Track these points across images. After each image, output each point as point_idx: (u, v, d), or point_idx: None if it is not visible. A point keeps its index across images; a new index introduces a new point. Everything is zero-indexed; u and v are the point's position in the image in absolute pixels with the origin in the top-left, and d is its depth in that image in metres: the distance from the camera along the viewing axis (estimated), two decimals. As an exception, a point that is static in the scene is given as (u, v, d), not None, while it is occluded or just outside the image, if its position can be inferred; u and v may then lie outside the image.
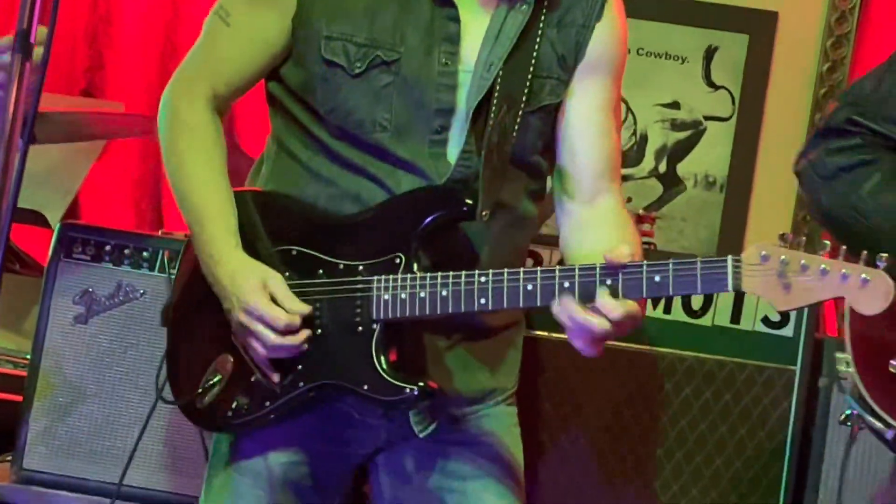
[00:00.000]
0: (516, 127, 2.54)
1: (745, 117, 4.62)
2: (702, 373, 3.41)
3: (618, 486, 3.41)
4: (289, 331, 2.47)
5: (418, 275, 2.46)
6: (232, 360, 2.56)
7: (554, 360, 3.41)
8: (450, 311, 2.44)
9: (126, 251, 3.49)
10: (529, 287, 2.39)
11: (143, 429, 2.72)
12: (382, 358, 2.47)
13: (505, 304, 2.41)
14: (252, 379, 2.54)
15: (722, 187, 4.64)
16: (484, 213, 2.49)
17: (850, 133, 2.64)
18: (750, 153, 4.61)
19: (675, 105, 4.64)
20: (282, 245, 2.56)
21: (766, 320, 3.42)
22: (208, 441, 2.86)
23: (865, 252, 2.22)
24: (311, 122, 2.60)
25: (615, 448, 3.41)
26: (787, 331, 3.41)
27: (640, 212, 3.78)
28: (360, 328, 2.48)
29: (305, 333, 2.48)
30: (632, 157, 4.63)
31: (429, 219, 2.49)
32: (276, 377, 2.51)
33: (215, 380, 2.56)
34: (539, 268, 2.41)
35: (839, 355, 3.39)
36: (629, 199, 4.54)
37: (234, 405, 2.55)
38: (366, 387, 2.47)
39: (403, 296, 2.46)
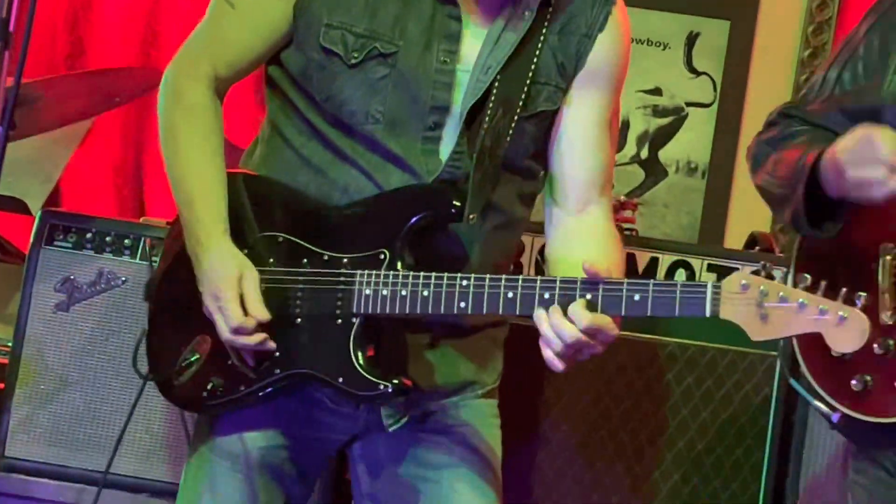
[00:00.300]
0: (511, 131, 2.53)
1: (726, 103, 4.63)
2: (684, 359, 3.42)
3: (600, 472, 3.42)
4: (241, 332, 2.48)
5: (401, 273, 2.46)
6: (211, 340, 2.56)
7: (536, 346, 3.41)
8: (429, 311, 2.44)
9: (107, 238, 3.49)
10: (510, 295, 2.39)
11: (131, 414, 2.72)
12: (360, 352, 2.47)
13: (485, 310, 2.42)
14: (229, 362, 2.54)
15: (704, 173, 4.64)
16: (472, 216, 2.49)
17: (778, 123, 2.67)
18: (732, 139, 4.62)
19: (656, 91, 4.65)
20: (269, 231, 2.57)
21: (747, 306, 3.42)
22: (191, 428, 2.86)
23: (844, 290, 2.23)
24: (307, 109, 2.60)
25: (597, 435, 3.42)
26: (769, 317, 3.42)
27: (622, 198, 3.78)
28: (340, 321, 2.49)
29: (260, 336, 2.48)
30: (614, 143, 4.63)
31: (415, 218, 2.49)
32: (251, 362, 2.52)
33: (193, 358, 2.56)
34: (521, 276, 2.41)
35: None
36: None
37: (209, 386, 2.56)
38: (341, 379, 2.48)
39: (385, 292, 2.46)
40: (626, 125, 4.66)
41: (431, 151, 2.54)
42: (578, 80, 2.58)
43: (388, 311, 2.46)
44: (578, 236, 2.58)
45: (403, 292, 2.45)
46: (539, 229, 3.40)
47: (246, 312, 2.48)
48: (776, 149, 2.63)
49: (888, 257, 2.48)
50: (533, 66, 2.54)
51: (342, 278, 2.49)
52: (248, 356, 2.52)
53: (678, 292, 2.31)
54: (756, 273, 2.27)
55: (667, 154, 4.67)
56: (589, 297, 2.34)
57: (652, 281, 2.33)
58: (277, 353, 2.51)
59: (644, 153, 4.67)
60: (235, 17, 2.60)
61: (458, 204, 2.47)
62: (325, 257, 2.52)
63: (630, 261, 3.44)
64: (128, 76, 4.05)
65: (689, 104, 4.65)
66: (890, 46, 2.58)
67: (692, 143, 4.65)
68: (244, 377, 2.53)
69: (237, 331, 2.48)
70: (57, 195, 4.50)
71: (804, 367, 2.59)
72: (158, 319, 2.67)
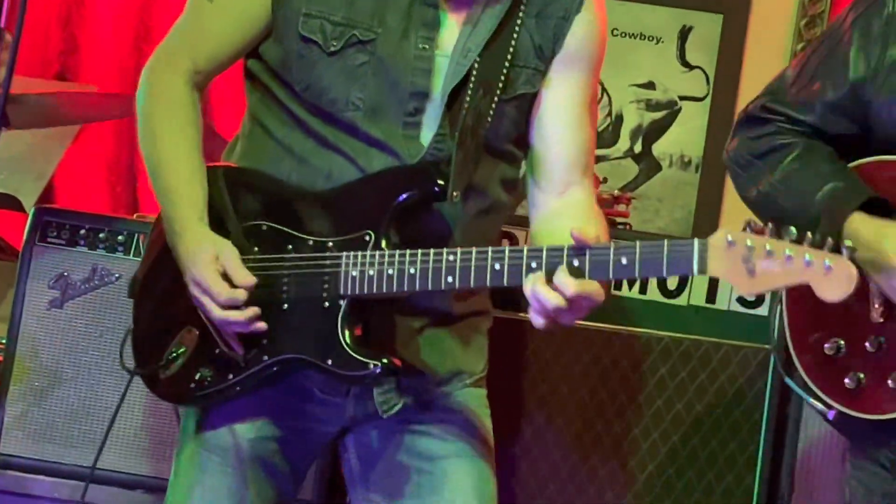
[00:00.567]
0: (491, 113, 2.55)
1: (719, 97, 4.63)
2: (678, 352, 3.42)
3: (594, 466, 3.42)
4: (231, 305, 2.48)
5: (387, 252, 2.46)
6: (197, 332, 2.57)
7: (529, 340, 3.42)
8: (417, 288, 2.44)
9: (101, 235, 3.49)
10: (497, 266, 2.39)
11: (117, 409, 2.71)
12: (347, 333, 2.48)
13: (472, 283, 2.41)
14: (216, 351, 2.55)
15: (697, 167, 4.65)
16: (455, 193, 2.49)
17: (765, 121, 2.68)
18: (725, 133, 4.51)
19: (650, 85, 4.65)
20: (252, 220, 2.58)
21: (741, 300, 3.43)
22: (184, 423, 2.86)
23: (830, 239, 2.23)
24: (287, 99, 2.61)
25: (591, 428, 3.42)
26: (763, 310, 3.43)
27: (616, 192, 3.78)
28: (327, 304, 2.49)
29: (252, 310, 2.49)
30: (607, 137, 4.63)
31: (400, 198, 2.49)
32: (239, 350, 2.52)
33: (179, 351, 2.57)
34: (508, 247, 2.41)
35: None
36: (605, 180, 4.54)
37: (197, 377, 2.56)
38: (329, 362, 2.48)
39: (371, 272, 2.47)
40: (619, 119, 4.66)
41: (412, 137, 2.55)
42: (557, 62, 2.59)
43: (375, 290, 2.46)
44: (562, 215, 2.58)
45: (390, 271, 2.45)
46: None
47: (232, 286, 2.49)
48: (767, 164, 2.64)
49: None
50: (511, 50, 2.56)
51: (328, 261, 2.50)
52: (237, 344, 2.52)
53: (665, 252, 2.30)
54: (742, 230, 2.27)
55: (660, 148, 4.67)
56: (576, 263, 2.34)
57: (639, 242, 2.31)
58: (265, 340, 2.52)
59: (638, 147, 4.67)
60: (214, 10, 2.61)
61: (441, 182, 2.48)
62: (310, 242, 2.52)
63: (624, 255, 3.44)
64: (121, 101, 4.04)
65: (682, 98, 4.65)
66: (876, 39, 2.57)
67: (686, 136, 4.65)
68: (232, 366, 2.54)
69: (228, 305, 2.47)
70: (50, 192, 4.50)
71: (799, 365, 2.59)
72: (143, 315, 2.67)
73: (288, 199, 2.57)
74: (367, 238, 2.49)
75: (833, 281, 2.21)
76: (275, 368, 2.52)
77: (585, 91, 2.63)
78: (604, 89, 4.64)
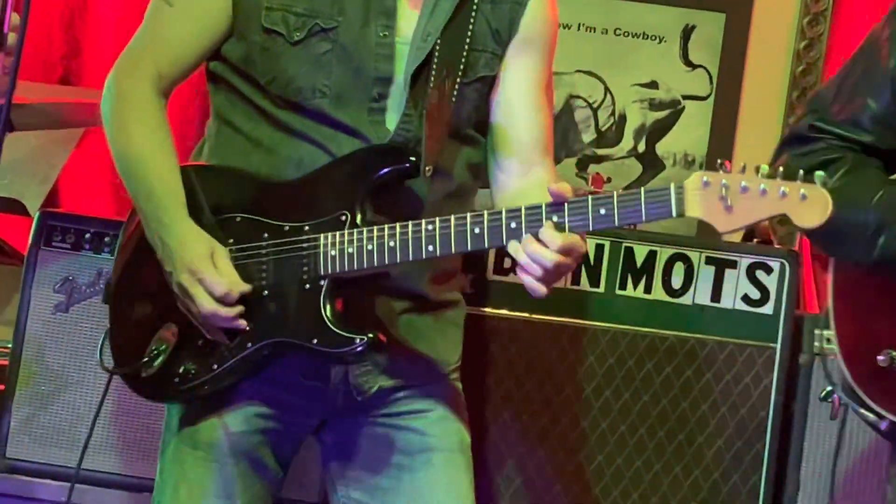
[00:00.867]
0: (454, 95, 2.60)
1: (723, 96, 4.62)
2: (683, 351, 3.42)
3: (601, 466, 3.42)
4: (226, 301, 2.50)
5: (364, 228, 2.50)
6: (177, 328, 2.58)
7: (537, 340, 3.42)
8: (398, 260, 2.48)
9: (106, 239, 3.49)
10: (477, 230, 2.44)
11: (99, 409, 2.72)
12: (330, 311, 2.50)
13: (453, 249, 2.45)
14: (199, 343, 2.56)
15: (701, 166, 4.64)
16: (427, 168, 2.54)
17: (813, 139, 2.68)
18: (728, 132, 4.62)
19: (653, 85, 4.65)
20: (225, 213, 2.60)
21: (745, 298, 3.43)
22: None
23: (802, 171, 2.29)
24: (252, 93, 2.64)
25: (598, 429, 3.42)
26: (767, 308, 3.43)
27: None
28: (308, 286, 2.52)
29: (238, 309, 2.52)
30: (610, 137, 4.63)
31: (374, 176, 2.53)
32: (224, 338, 2.54)
33: (161, 348, 2.58)
34: (485, 210, 2.45)
35: (818, 332, 3.41)
36: (609, 180, 4.55)
37: (181, 370, 2.57)
38: (315, 341, 2.50)
39: (350, 250, 2.50)
40: (622, 119, 4.66)
41: (378, 122, 2.59)
42: (513, 46, 2.66)
43: (356, 266, 2.49)
44: (527, 196, 2.60)
45: (370, 246, 2.49)
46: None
47: None
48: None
49: None
50: (469, 34, 2.62)
51: (305, 244, 2.53)
52: (220, 334, 2.54)
53: (643, 198, 2.36)
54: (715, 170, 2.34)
55: (664, 147, 4.67)
56: (555, 218, 2.39)
57: (615, 192, 2.38)
58: (247, 328, 2.54)
59: (641, 147, 4.67)
60: (175, 14, 2.65)
61: (413, 159, 2.52)
62: (286, 227, 2.56)
63: (628, 254, 3.44)
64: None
65: (685, 97, 4.65)
66: None
67: (689, 135, 4.64)
68: (217, 355, 2.56)
69: (223, 299, 2.50)
70: (55, 196, 4.49)
71: (849, 376, 2.61)
72: (120, 317, 2.69)
73: (259, 189, 2.60)
74: (344, 218, 2.52)
75: (809, 208, 2.28)
76: (261, 354, 2.54)
77: (543, 74, 2.70)
78: (607, 89, 4.64)
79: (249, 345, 2.54)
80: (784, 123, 4.51)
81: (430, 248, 2.46)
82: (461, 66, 2.60)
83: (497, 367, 3.41)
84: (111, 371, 2.66)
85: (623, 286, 3.44)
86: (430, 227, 2.46)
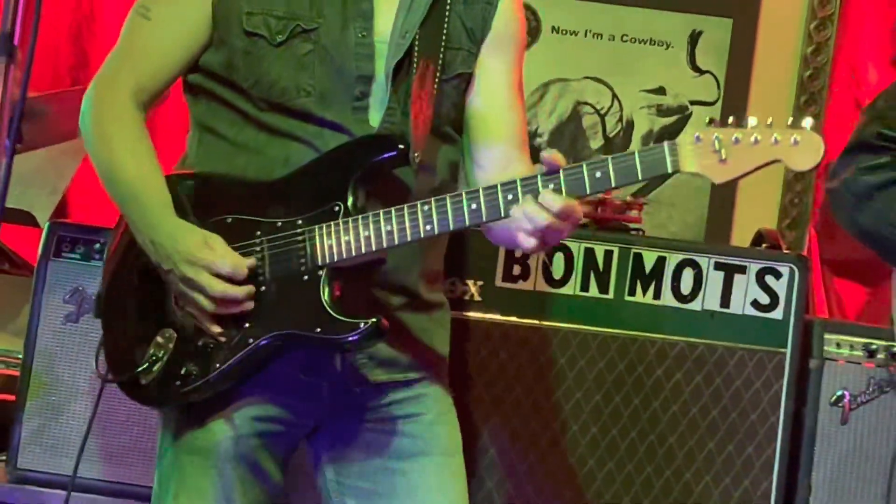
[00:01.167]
0: (435, 92, 2.63)
1: (730, 101, 4.62)
2: (693, 357, 3.42)
3: (612, 472, 3.42)
4: (234, 278, 2.51)
5: (360, 216, 2.52)
6: (174, 333, 2.58)
7: (548, 347, 3.42)
8: (396, 242, 2.50)
9: (115, 249, 3.49)
10: (473, 206, 2.47)
11: (93, 417, 2.73)
12: (331, 299, 2.51)
13: (451, 226, 2.48)
14: (199, 343, 2.56)
15: (709, 171, 4.64)
16: (416, 154, 2.56)
17: (880, 149, 2.66)
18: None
19: (660, 91, 4.65)
20: (215, 217, 2.60)
21: (755, 304, 3.43)
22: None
23: (791, 118, 2.33)
24: (235, 98, 2.65)
25: (608, 435, 3.42)
26: (777, 314, 3.42)
27: (629, 198, 3.78)
28: (307, 277, 2.53)
29: (248, 288, 2.53)
30: (618, 143, 4.64)
31: (364, 165, 2.55)
32: (225, 335, 2.54)
33: (159, 354, 2.57)
34: (480, 187, 2.47)
35: (828, 336, 3.42)
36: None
37: (182, 372, 2.56)
38: (318, 330, 2.51)
39: (347, 238, 2.51)
40: (630, 125, 4.66)
41: (362, 120, 2.61)
42: (487, 44, 2.71)
43: (354, 253, 2.51)
44: None
45: (366, 232, 2.51)
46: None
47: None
48: (889, 198, 2.65)
49: None
50: (444, 33, 2.66)
51: (301, 237, 2.54)
52: (220, 328, 2.54)
53: (637, 159, 2.40)
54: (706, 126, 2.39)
55: (672, 153, 4.67)
56: (552, 186, 2.42)
57: (609, 156, 2.41)
58: (247, 324, 2.54)
59: (649, 153, 4.67)
60: (153, 27, 2.67)
61: (402, 147, 2.55)
62: (279, 224, 2.57)
63: (637, 260, 3.44)
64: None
65: (693, 103, 4.65)
66: None
67: (697, 141, 4.64)
68: (219, 354, 2.55)
69: (231, 277, 2.51)
70: (64, 206, 4.50)
71: None
72: (113, 329, 2.67)
73: (248, 190, 2.61)
74: (337, 209, 2.54)
75: (802, 152, 2.33)
76: (264, 349, 2.53)
77: (516, 72, 2.76)
78: (614, 95, 4.64)
79: (251, 341, 2.54)
80: (792, 128, 4.50)
81: (429, 227, 2.49)
82: (440, 64, 2.64)
83: (506, 374, 3.41)
84: (110, 380, 2.65)
85: (632, 292, 3.44)
86: (426, 207, 2.49)
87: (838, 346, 3.44)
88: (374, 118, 2.61)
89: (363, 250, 2.51)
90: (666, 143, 2.39)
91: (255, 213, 2.58)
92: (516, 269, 3.42)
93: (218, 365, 2.55)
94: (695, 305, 3.44)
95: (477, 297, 3.40)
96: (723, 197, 4.60)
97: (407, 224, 2.49)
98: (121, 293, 2.67)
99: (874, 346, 3.43)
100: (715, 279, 3.43)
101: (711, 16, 4.63)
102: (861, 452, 3.41)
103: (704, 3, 4.63)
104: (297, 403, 2.65)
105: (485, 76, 2.72)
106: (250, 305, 2.54)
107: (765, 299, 3.43)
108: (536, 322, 3.41)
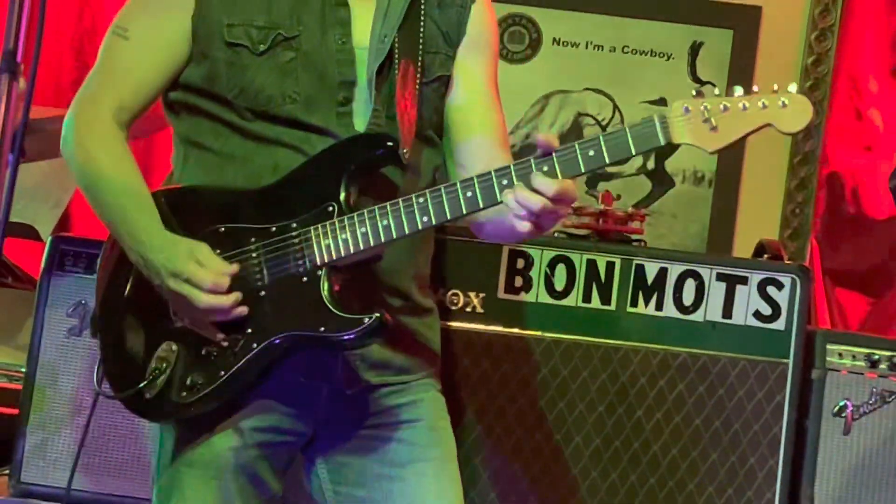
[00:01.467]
0: (417, 95, 2.66)
1: (731, 112, 4.62)
2: (695, 368, 3.42)
3: (616, 482, 3.42)
4: (216, 290, 2.51)
5: (355, 213, 2.53)
6: (175, 345, 2.58)
7: (552, 360, 3.42)
8: (394, 236, 2.51)
9: (118, 262, 3.49)
10: (469, 194, 2.48)
11: (86, 430, 2.73)
12: (332, 297, 2.52)
13: (448, 215, 2.50)
14: (203, 353, 2.56)
15: (710, 182, 4.65)
16: (405, 150, 2.58)
17: None
18: (737, 148, 4.61)
19: (661, 102, 4.66)
20: (207, 228, 2.60)
21: (757, 314, 3.43)
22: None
23: (776, 84, 2.37)
24: (219, 110, 2.66)
25: (611, 445, 3.42)
26: (779, 324, 3.42)
27: (630, 209, 3.79)
28: (306, 278, 2.54)
29: (235, 295, 2.53)
30: (620, 154, 4.64)
31: (354, 163, 2.56)
32: (228, 341, 2.55)
33: (162, 367, 2.57)
34: (475, 175, 2.49)
35: (830, 347, 3.42)
36: (618, 197, 4.54)
37: (188, 383, 2.56)
38: (322, 329, 2.51)
39: (344, 235, 2.53)
40: (631, 136, 4.66)
41: (347, 125, 2.62)
42: (463, 47, 2.75)
43: (352, 250, 2.52)
44: None
45: (363, 228, 2.52)
46: (548, 241, 3.42)
47: None
48: None
49: None
50: (421, 37, 2.69)
51: (296, 239, 2.55)
52: (222, 335, 2.54)
53: (628, 134, 2.44)
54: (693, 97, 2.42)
55: (673, 164, 4.68)
56: (546, 168, 2.43)
57: (600, 134, 2.44)
58: (250, 329, 2.55)
59: (650, 164, 4.68)
60: (132, 46, 2.67)
61: (391, 143, 2.56)
62: (273, 229, 2.57)
63: (639, 271, 3.45)
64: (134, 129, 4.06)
65: (694, 114, 4.65)
66: None
67: (698, 152, 4.63)
68: (222, 362, 2.56)
69: (214, 290, 2.51)
70: (67, 221, 4.51)
71: None
72: (112, 347, 2.67)
73: (238, 199, 2.61)
74: (331, 209, 2.55)
75: (792, 114, 2.37)
76: (267, 354, 2.53)
77: (492, 74, 2.79)
78: (615, 106, 4.65)
79: (255, 345, 2.54)
80: (793, 139, 4.51)
81: (425, 218, 2.50)
82: (419, 67, 2.67)
83: (509, 385, 3.41)
84: (112, 396, 2.65)
85: (634, 303, 3.44)
86: (421, 199, 2.50)
87: (840, 356, 3.44)
88: (359, 123, 2.63)
89: (361, 247, 2.52)
90: (656, 116, 2.42)
91: (247, 220, 2.59)
92: (518, 281, 3.43)
93: (223, 373, 2.55)
94: (697, 316, 3.44)
95: (479, 309, 3.40)
96: (724, 208, 4.60)
97: (403, 217, 2.50)
98: (116, 310, 2.66)
99: (876, 357, 3.43)
100: (717, 290, 3.44)
101: (712, 27, 4.64)
102: (864, 462, 3.41)
103: (705, 15, 4.64)
104: (297, 411, 2.66)
105: (463, 77, 2.74)
106: (243, 311, 2.54)
107: (767, 310, 3.43)
108: (539, 333, 3.42)
